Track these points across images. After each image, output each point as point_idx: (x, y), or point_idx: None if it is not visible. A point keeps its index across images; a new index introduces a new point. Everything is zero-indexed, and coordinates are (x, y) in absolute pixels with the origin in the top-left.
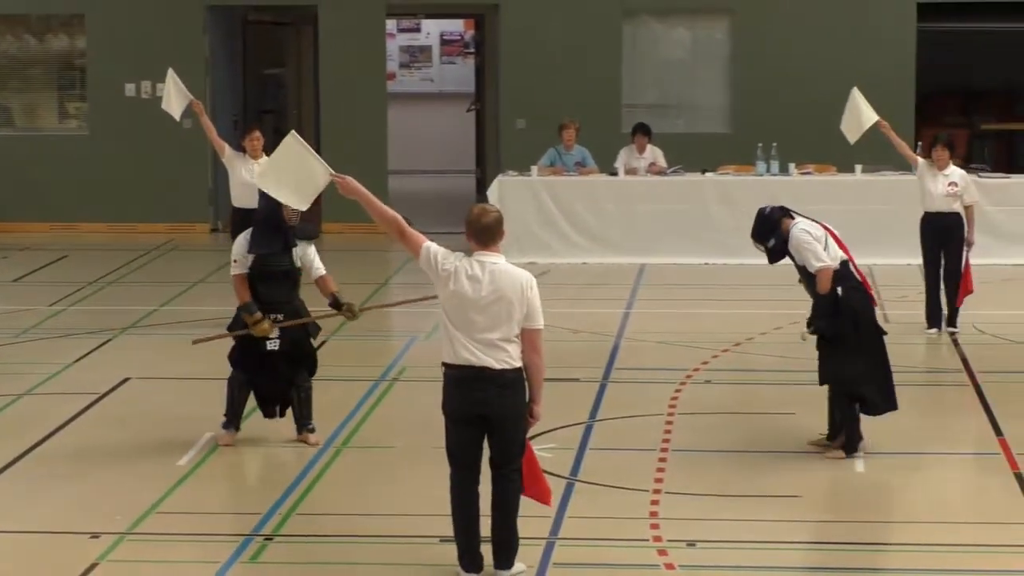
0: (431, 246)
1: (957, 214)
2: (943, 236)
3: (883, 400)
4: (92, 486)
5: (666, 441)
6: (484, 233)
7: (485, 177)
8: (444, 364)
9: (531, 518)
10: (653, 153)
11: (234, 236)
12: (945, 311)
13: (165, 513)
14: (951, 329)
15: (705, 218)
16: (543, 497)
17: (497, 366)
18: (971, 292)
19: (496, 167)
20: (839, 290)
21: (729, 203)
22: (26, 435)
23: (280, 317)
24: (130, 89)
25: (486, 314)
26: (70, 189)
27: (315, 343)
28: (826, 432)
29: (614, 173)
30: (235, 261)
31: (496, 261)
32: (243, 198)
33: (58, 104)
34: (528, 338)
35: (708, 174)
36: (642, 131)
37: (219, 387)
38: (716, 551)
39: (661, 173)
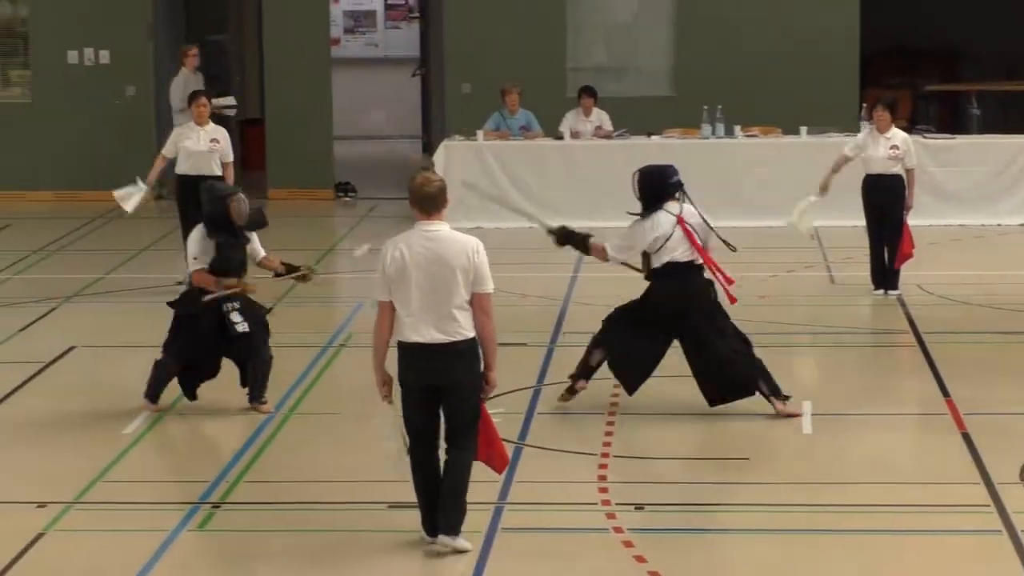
0: (381, 290)
1: (898, 176)
2: (884, 198)
3: (634, 382)
4: (37, 455)
5: (614, 405)
6: (427, 201)
7: (431, 142)
8: (398, 341)
9: (479, 483)
10: (599, 116)
11: (180, 203)
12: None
13: (112, 482)
14: (892, 292)
15: None
16: (498, 463)
17: (448, 339)
18: (910, 255)
19: (442, 132)
20: (653, 283)
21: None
22: None
23: (236, 305)
24: (73, 56)
25: (433, 283)
26: (14, 157)
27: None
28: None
29: (560, 137)
30: (195, 258)
31: (439, 229)
32: (189, 166)
33: (0, 72)
34: (479, 303)
35: (654, 137)
36: (588, 93)
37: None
38: (664, 514)
39: (607, 137)
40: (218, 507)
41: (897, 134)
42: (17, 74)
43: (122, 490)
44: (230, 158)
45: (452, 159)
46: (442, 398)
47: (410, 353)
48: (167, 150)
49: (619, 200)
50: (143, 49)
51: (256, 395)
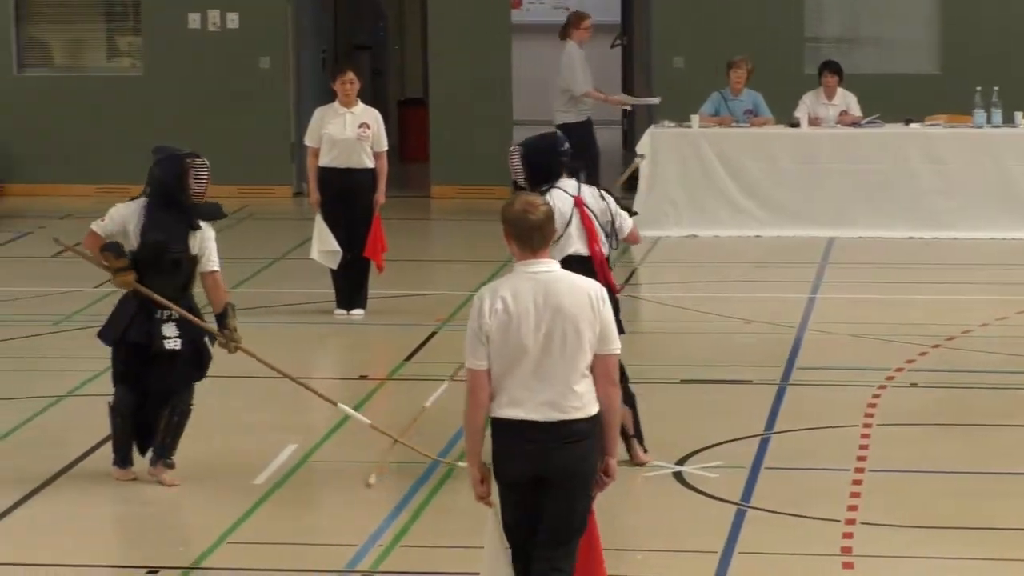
0: (476, 354)
1: None
2: None
3: None
4: (148, 510)
5: (861, 459)
6: (532, 234)
7: (633, 129)
8: (492, 418)
9: (689, 553)
10: (844, 99)
11: (323, 204)
12: None
13: (238, 543)
14: None
15: (910, 181)
16: None
17: (565, 416)
18: None
19: (648, 116)
20: None
21: (939, 162)
22: (68, 446)
23: (173, 314)
24: (194, 20)
25: (549, 342)
26: (120, 143)
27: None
28: None
29: (795, 124)
30: (104, 219)
31: (550, 269)
32: (332, 157)
33: (107, 39)
34: (603, 366)
35: (913, 125)
36: (831, 71)
37: (300, 390)
38: None
39: (854, 124)
40: None
41: None
42: (126, 41)
43: (250, 554)
44: (384, 147)
45: (660, 150)
46: (544, 494)
47: (511, 433)
48: (310, 138)
49: (870, 204)
50: (280, 14)
51: (163, 452)
